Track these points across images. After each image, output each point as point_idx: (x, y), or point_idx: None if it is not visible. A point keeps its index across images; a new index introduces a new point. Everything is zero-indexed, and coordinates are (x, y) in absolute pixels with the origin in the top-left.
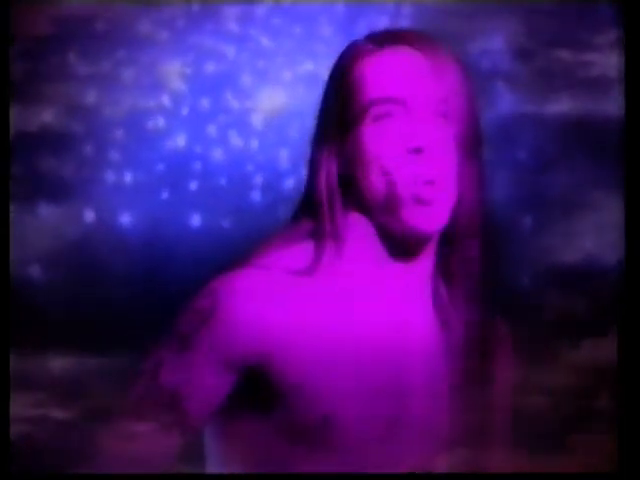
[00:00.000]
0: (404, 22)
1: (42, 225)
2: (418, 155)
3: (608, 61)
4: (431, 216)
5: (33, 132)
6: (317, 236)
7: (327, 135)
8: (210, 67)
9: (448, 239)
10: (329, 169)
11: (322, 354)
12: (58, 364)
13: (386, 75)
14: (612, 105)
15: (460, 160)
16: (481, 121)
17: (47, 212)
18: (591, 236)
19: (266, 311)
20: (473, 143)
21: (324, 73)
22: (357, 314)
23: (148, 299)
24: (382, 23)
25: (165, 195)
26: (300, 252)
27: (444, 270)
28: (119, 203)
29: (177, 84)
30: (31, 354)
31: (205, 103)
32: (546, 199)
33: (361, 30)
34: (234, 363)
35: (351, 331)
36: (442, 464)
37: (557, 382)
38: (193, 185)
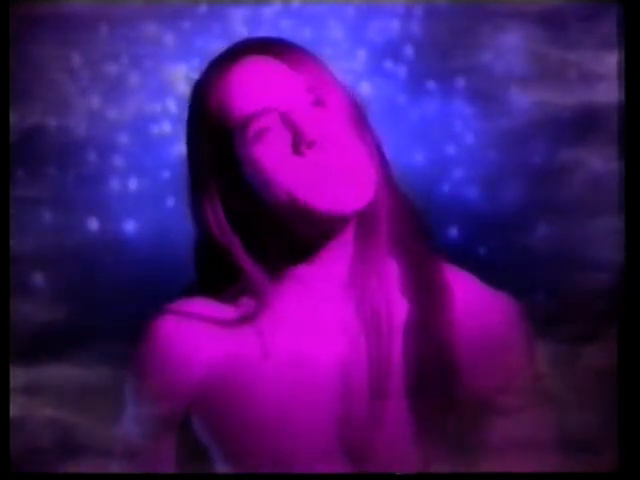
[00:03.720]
0: (415, 23)
1: (44, 232)
2: (312, 148)
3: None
4: (346, 197)
5: (36, 136)
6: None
7: (204, 180)
8: None
9: (362, 232)
10: (217, 215)
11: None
12: (59, 371)
13: (248, 89)
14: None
15: (359, 138)
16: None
17: (49, 219)
18: (595, 238)
19: (191, 361)
20: (360, 121)
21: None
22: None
23: (153, 308)
24: (393, 24)
25: (171, 202)
26: (224, 304)
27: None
28: (123, 210)
29: (183, 88)
30: (31, 361)
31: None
32: (560, 203)
33: (371, 32)
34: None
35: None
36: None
37: (557, 382)
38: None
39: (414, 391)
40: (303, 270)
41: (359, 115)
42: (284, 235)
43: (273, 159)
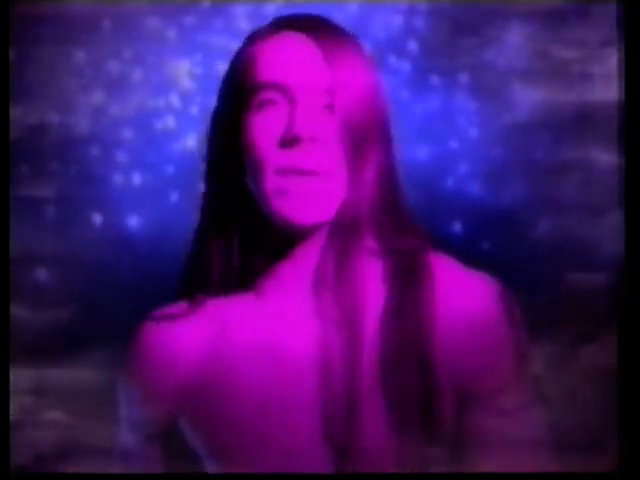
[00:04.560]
0: (419, 19)
1: (48, 228)
2: (295, 145)
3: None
4: (308, 208)
5: (39, 132)
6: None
7: (219, 129)
8: (220, 66)
9: (340, 232)
10: (225, 175)
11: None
12: (62, 372)
13: (272, 60)
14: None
15: (351, 154)
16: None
17: (53, 215)
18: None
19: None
20: (370, 138)
21: None
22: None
23: (156, 304)
24: (396, 22)
25: (174, 197)
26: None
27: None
28: (127, 205)
29: (186, 83)
30: (34, 361)
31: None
32: (563, 199)
33: (374, 29)
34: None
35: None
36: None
37: (558, 381)
38: (203, 187)
39: (392, 379)
40: (278, 265)
41: (371, 130)
42: (258, 222)
43: (264, 133)
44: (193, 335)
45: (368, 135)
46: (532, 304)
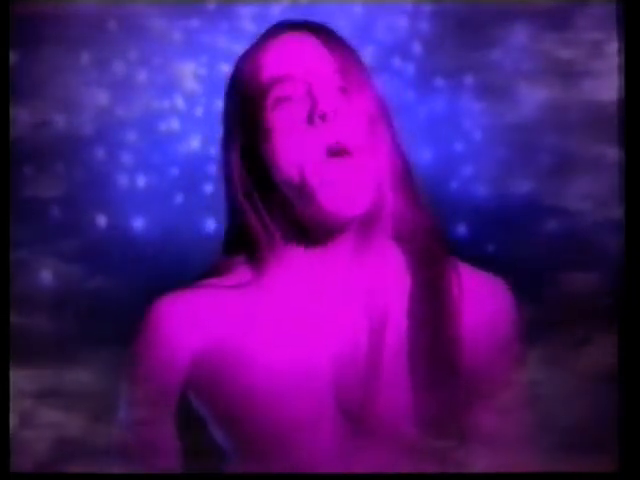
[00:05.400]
0: (423, 21)
1: (52, 228)
2: (323, 122)
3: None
4: (350, 198)
5: (44, 133)
6: (249, 250)
7: (233, 136)
8: (225, 68)
9: (366, 223)
10: (241, 173)
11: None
12: (64, 369)
13: (277, 58)
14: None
15: (372, 132)
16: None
17: (57, 216)
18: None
19: (192, 336)
20: (380, 115)
21: None
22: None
23: None
24: (401, 23)
25: (179, 199)
26: (237, 271)
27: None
28: (131, 207)
29: (191, 85)
30: (35, 359)
31: (220, 104)
32: (569, 199)
33: (378, 31)
34: (169, 391)
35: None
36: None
37: (557, 382)
38: (208, 188)
39: (412, 356)
40: (303, 253)
41: (380, 117)
42: (289, 214)
43: (287, 127)
44: (208, 308)
45: (377, 120)
46: (535, 304)
